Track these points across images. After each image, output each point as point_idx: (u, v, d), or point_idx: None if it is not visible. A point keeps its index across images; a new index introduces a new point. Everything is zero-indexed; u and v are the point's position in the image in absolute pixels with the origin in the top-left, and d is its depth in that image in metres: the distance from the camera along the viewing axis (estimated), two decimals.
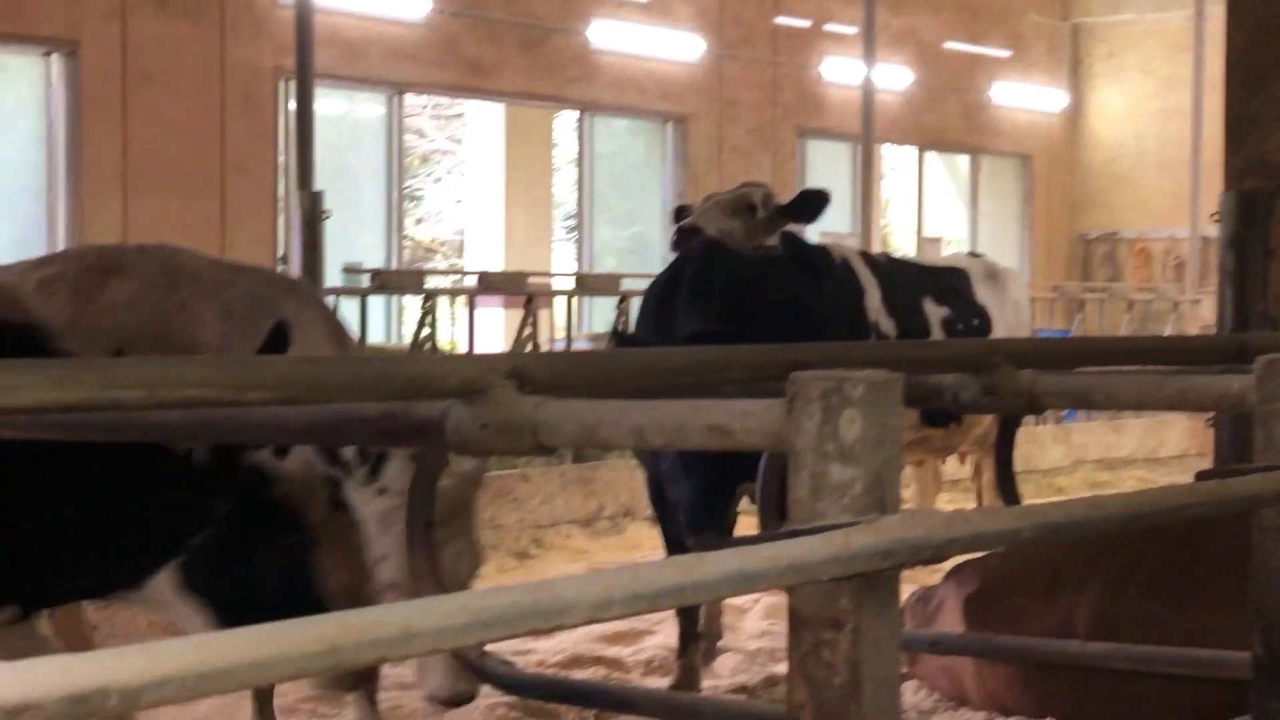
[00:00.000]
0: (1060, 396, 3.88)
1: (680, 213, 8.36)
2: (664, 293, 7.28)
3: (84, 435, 3.42)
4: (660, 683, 7.38)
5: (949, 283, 10.26)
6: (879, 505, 2.32)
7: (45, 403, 2.29)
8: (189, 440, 4.36)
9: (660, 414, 2.60)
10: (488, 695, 6.56)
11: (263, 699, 5.86)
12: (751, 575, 2.11)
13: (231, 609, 4.70)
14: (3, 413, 2.25)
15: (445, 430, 2.82)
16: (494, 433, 2.75)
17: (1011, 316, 11.25)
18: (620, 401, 2.73)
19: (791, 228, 8.19)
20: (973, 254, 12.32)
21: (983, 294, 10.88)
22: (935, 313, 9.44)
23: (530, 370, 2.84)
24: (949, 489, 12.17)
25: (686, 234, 8.45)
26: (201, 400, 2.51)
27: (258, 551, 4.75)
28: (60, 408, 2.32)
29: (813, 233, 21.98)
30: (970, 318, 9.96)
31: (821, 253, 8.20)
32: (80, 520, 4.61)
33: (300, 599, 4.64)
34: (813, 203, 8.83)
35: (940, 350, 4.13)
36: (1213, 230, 9.23)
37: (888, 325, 8.49)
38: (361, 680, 5.47)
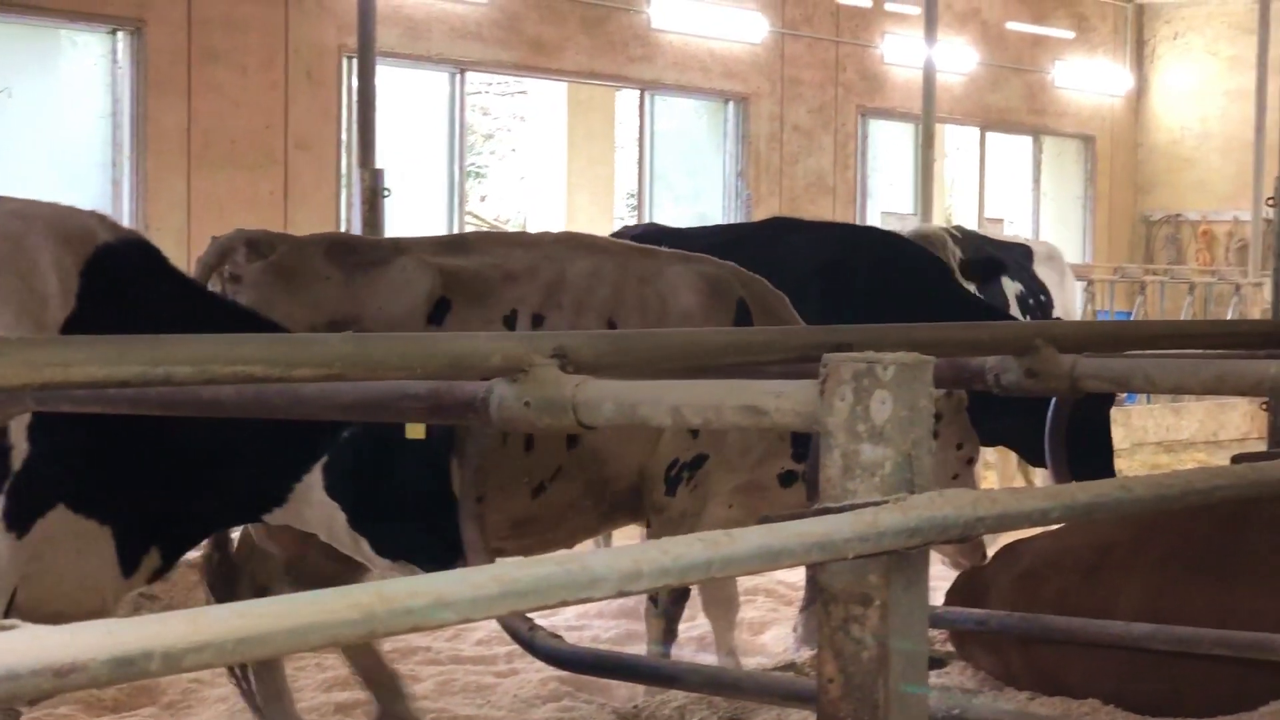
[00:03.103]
0: (1101, 380, 3.91)
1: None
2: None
3: (141, 409, 3.51)
4: (712, 659, 7.44)
5: (1017, 258, 10.48)
6: (908, 485, 2.37)
7: (97, 378, 2.37)
8: (242, 414, 4.41)
9: (697, 393, 2.66)
10: (540, 670, 6.64)
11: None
12: (779, 552, 2.16)
13: (364, 510, 4.65)
14: (57, 387, 2.33)
15: (490, 407, 2.89)
16: (536, 410, 2.82)
17: (1070, 298, 11.40)
18: (659, 381, 2.79)
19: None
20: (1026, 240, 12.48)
21: (1044, 272, 11.02)
22: (1011, 288, 9.68)
23: (573, 349, 2.92)
24: None
25: None
26: (251, 377, 2.58)
27: (394, 453, 4.63)
28: (113, 383, 2.41)
29: (874, 213, 21.97)
30: (1038, 293, 10.16)
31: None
32: (228, 438, 4.50)
33: (433, 505, 4.62)
34: None
35: (982, 332, 4.17)
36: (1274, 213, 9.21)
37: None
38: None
